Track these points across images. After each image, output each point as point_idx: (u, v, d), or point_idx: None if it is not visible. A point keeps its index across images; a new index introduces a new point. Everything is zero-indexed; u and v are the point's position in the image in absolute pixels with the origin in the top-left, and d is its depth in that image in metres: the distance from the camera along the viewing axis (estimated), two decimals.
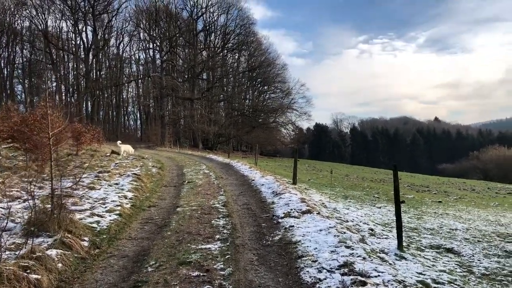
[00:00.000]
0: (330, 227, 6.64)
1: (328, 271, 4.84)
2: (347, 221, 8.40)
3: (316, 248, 5.75)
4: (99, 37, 60.99)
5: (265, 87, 74.88)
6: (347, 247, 5.66)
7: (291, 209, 8.15)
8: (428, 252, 7.32)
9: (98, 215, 8.42)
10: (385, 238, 7.53)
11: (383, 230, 8.35)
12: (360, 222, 8.59)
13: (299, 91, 71.93)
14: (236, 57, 71.95)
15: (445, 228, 10.07)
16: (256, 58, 71.53)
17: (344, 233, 6.38)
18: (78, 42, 60.21)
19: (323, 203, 10.25)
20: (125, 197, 10.53)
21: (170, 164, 21.70)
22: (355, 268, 4.81)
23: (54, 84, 61.07)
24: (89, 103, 62.09)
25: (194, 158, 27.64)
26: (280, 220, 7.59)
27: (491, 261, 7.09)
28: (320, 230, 6.55)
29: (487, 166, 71.14)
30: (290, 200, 9.13)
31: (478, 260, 7.07)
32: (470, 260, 7.05)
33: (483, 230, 10.52)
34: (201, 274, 5.22)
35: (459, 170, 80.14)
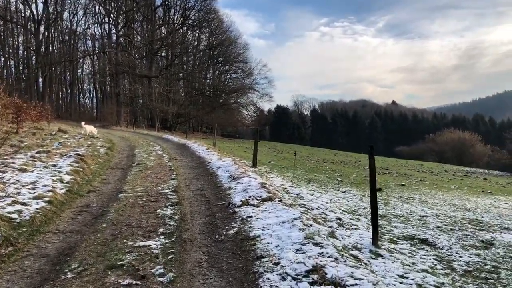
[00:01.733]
0: (294, 218, 5.67)
1: (294, 278, 3.85)
2: (312, 209, 7.49)
3: (279, 246, 4.75)
4: (50, 9, 57.11)
5: (226, 67, 73.08)
6: (315, 244, 4.70)
7: (250, 196, 7.12)
8: (403, 244, 6.52)
9: (22, 203, 7.06)
10: (355, 228, 6.67)
11: (351, 219, 7.50)
12: (326, 209, 7.70)
13: (261, 72, 70.83)
14: (197, 34, 69.53)
15: (414, 215, 9.39)
16: (217, 36, 69.39)
17: (311, 225, 5.43)
18: (27, 14, 56.08)
19: (285, 188, 9.29)
20: (61, 180, 9.16)
21: (122, 145, 20.19)
22: (326, 274, 3.85)
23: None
24: (40, 80, 58.37)
25: (149, 138, 26.12)
26: (237, 209, 6.55)
27: (470, 254, 6.38)
28: (283, 222, 5.56)
29: (442, 149, 72.99)
30: (249, 185, 8.11)
31: (457, 253, 6.34)
32: (449, 254, 6.31)
33: (453, 216, 9.95)
34: (134, 282, 4.11)
35: (416, 153, 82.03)
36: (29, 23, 56.07)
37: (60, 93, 69.20)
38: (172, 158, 14.00)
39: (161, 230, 5.77)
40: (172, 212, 6.77)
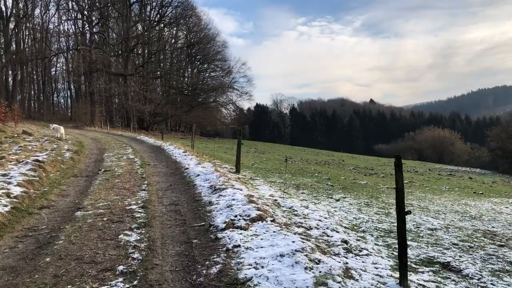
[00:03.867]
0: (295, 250, 4.37)
1: None
2: (310, 228, 6.19)
3: None
4: (20, 5, 54.40)
5: (205, 65, 71.36)
6: None
7: (236, 215, 5.78)
8: (424, 273, 5.30)
9: None
10: (366, 254, 5.41)
11: (358, 240, 6.24)
12: (327, 228, 6.42)
13: (240, 71, 69.50)
14: (174, 32, 67.60)
15: (423, 228, 8.21)
16: (195, 34, 67.63)
17: (319, 261, 4.14)
18: None
19: (275, 200, 7.97)
20: (8, 194, 7.63)
21: (91, 147, 18.56)
22: None
23: None
24: (9, 79, 55.60)
25: (122, 140, 24.47)
26: (219, 235, 5.20)
27: (508, 285, 5.20)
28: (282, 256, 4.26)
29: (422, 147, 72.94)
30: (233, 199, 6.77)
31: (492, 284, 5.15)
32: (482, 285, 5.11)
33: (462, 227, 8.82)
34: None
35: (395, 151, 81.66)
36: None
37: (32, 92, 66.39)
38: (144, 163, 12.54)
39: (120, 268, 4.37)
40: (138, 238, 5.38)
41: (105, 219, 6.29)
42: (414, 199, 12.88)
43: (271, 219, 5.64)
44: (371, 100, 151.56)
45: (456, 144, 68.82)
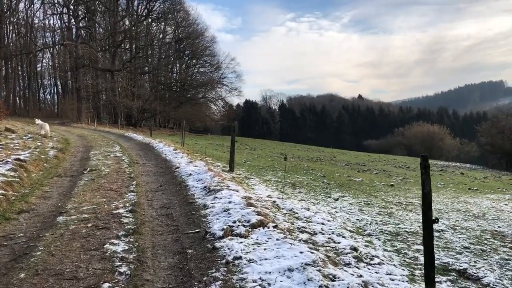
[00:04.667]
0: (306, 263, 3.85)
1: None
2: (315, 234, 5.70)
3: None
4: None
5: (194, 61, 70.48)
6: None
7: (235, 221, 5.24)
8: (443, 284, 4.84)
9: None
10: (378, 263, 4.92)
11: (366, 246, 5.75)
12: (332, 232, 5.92)
13: (229, 66, 68.83)
14: (162, 27, 66.49)
15: None
16: (183, 29, 66.70)
17: (334, 277, 3.62)
18: None
19: (274, 201, 7.44)
20: None
21: (77, 145, 17.85)
22: None
23: None
24: None
25: (110, 137, 23.74)
26: (217, 244, 4.65)
27: None
28: (291, 270, 3.74)
29: (411, 142, 73.10)
30: (230, 202, 6.23)
31: None
32: None
33: (469, 228, 8.41)
34: None
35: (384, 146, 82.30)
36: None
37: (18, 88, 64.91)
38: (132, 162, 11.92)
39: (106, 286, 3.82)
40: (126, 247, 4.82)
41: (89, 225, 5.71)
42: (413, 197, 12.47)
43: (273, 224, 5.12)
44: (360, 96, 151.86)
45: (445, 139, 69.08)
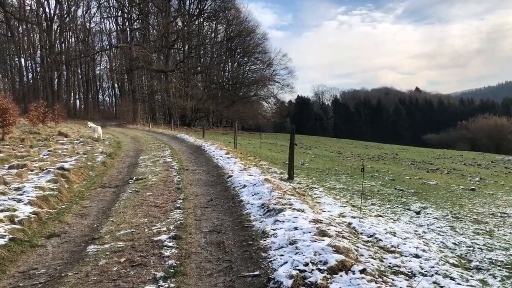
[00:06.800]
0: None
1: None
2: (414, 275, 4.23)
3: None
4: (64, 7, 54.97)
5: (245, 58, 69.84)
6: None
7: (307, 263, 3.90)
8: None
9: None
10: None
11: None
12: (436, 272, 4.43)
13: (281, 62, 67.56)
14: (213, 25, 66.36)
15: None
16: (234, 27, 66.23)
17: None
18: (40, 12, 53.91)
19: (349, 223, 6.00)
20: (12, 219, 6.11)
21: (129, 148, 17.26)
22: None
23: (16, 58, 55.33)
24: (55, 79, 56.42)
25: (162, 139, 23.16)
26: None
27: None
28: None
29: (476, 136, 68.21)
30: (296, 228, 4.91)
31: None
32: None
33: None
34: None
35: (446, 140, 77.36)
36: (43, 22, 53.95)
37: (77, 91, 67.43)
38: (182, 169, 10.88)
39: None
40: None
41: (122, 259, 4.60)
42: (505, 206, 10.52)
43: (360, 268, 3.74)
44: (417, 88, 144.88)
45: None
